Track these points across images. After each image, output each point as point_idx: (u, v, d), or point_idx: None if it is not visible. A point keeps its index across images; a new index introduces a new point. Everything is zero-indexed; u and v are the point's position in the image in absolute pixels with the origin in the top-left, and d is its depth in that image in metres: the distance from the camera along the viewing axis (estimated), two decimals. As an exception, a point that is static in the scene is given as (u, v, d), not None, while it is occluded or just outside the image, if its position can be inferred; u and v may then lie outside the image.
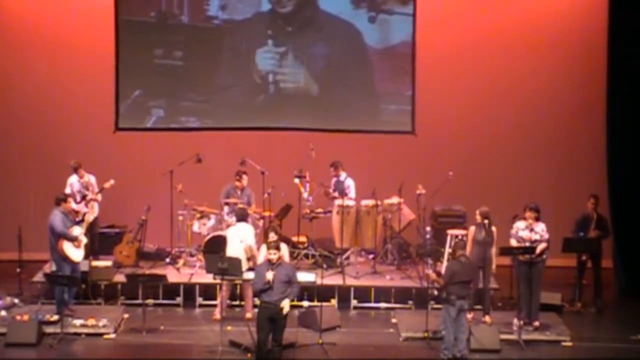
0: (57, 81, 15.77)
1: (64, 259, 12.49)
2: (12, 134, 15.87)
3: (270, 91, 15.90)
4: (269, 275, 10.91)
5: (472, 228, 12.79)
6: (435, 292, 11.99)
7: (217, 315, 12.68)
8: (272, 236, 11.79)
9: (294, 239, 14.65)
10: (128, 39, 15.77)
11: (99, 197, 14.06)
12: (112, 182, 14.02)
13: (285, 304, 10.96)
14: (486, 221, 12.56)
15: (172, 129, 15.95)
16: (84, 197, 14.10)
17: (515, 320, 12.40)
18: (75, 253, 12.58)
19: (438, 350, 11.73)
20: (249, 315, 12.61)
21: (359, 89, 15.93)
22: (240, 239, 12.76)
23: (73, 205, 13.76)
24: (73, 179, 14.17)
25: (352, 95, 15.93)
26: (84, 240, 12.68)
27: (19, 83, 15.78)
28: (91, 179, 14.22)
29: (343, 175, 14.67)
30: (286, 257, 12.03)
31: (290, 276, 11.10)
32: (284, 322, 11.11)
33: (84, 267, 13.32)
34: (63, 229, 12.47)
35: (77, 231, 12.61)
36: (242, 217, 13.09)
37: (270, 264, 11.02)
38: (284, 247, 12.28)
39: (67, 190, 14.01)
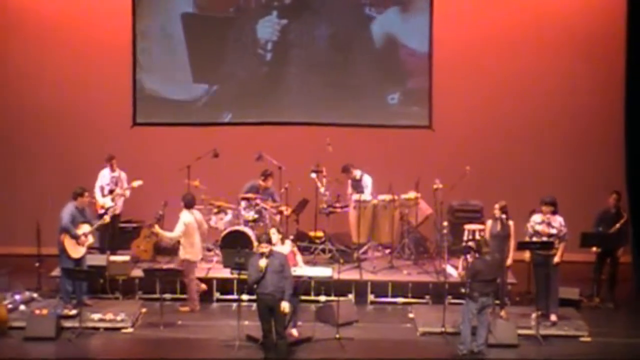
0: (75, 76, 15.85)
1: (62, 252, 12.52)
2: (31, 129, 15.96)
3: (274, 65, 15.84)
4: (262, 263, 11.03)
5: (489, 222, 12.77)
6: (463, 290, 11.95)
7: None
8: (274, 231, 11.90)
9: (311, 233, 14.71)
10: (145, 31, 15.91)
11: (128, 193, 14.14)
12: (140, 182, 14.14)
13: (285, 306, 11.09)
14: (503, 215, 12.53)
15: (189, 124, 16.00)
16: (111, 192, 14.18)
17: (533, 315, 12.37)
18: (74, 249, 12.58)
19: (455, 345, 11.72)
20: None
21: (367, 79, 15.95)
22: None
23: (99, 198, 13.84)
24: (105, 172, 14.28)
25: (360, 84, 15.95)
26: (90, 240, 12.67)
27: (37, 78, 15.86)
28: (122, 174, 14.30)
29: (358, 173, 14.62)
30: (284, 250, 12.00)
31: (284, 265, 11.19)
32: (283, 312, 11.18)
33: (102, 261, 13.43)
34: (67, 224, 12.49)
35: (84, 229, 12.61)
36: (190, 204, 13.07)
37: (262, 255, 11.14)
38: (288, 243, 12.38)
39: (99, 182, 14.15)
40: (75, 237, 12.52)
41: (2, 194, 15.99)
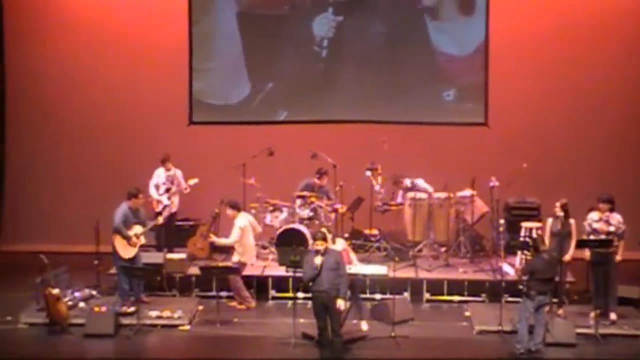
0: (132, 77, 16.10)
1: (115, 251, 12.69)
2: (88, 128, 16.26)
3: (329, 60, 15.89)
4: (317, 260, 11.03)
5: (549, 220, 12.63)
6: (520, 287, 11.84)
7: None
8: (325, 230, 11.90)
9: (366, 231, 14.67)
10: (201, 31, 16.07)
11: (187, 190, 14.27)
12: (196, 180, 14.22)
13: (340, 303, 11.09)
14: (561, 213, 12.40)
15: (244, 123, 16.10)
16: (167, 190, 14.30)
17: (592, 314, 12.23)
18: (125, 250, 12.69)
19: (512, 344, 11.62)
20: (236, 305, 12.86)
21: (423, 74, 15.95)
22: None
23: (154, 195, 13.97)
24: (160, 171, 14.38)
25: (415, 80, 15.96)
26: (142, 241, 12.76)
27: (94, 78, 16.15)
28: (177, 173, 14.39)
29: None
30: (337, 248, 12.00)
31: (339, 263, 11.18)
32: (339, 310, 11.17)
33: (159, 259, 13.57)
34: (119, 224, 12.62)
35: (136, 230, 12.71)
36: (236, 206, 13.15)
37: (317, 252, 11.15)
38: (340, 242, 12.41)
39: (153, 181, 14.31)
40: (126, 238, 12.65)
41: (62, 193, 16.30)
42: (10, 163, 15.69)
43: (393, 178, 14.55)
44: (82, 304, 12.91)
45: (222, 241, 13.21)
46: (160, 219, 13.22)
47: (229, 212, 13.08)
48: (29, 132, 16.26)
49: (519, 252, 13.46)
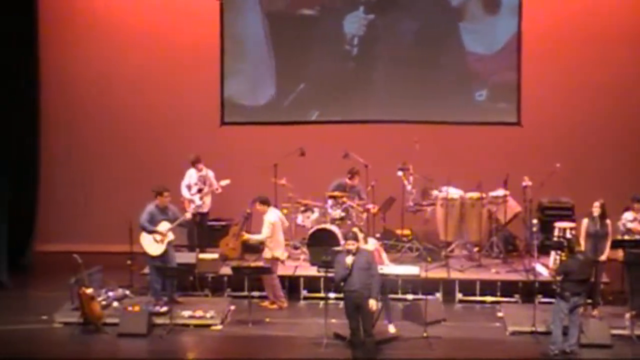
0: (164, 78, 16.20)
1: (145, 251, 12.81)
2: (120, 129, 16.39)
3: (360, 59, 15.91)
4: (349, 260, 11.03)
5: (585, 220, 12.56)
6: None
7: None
8: (356, 230, 11.95)
9: (398, 231, 14.67)
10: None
11: (219, 190, 14.33)
12: (228, 181, 14.28)
13: (372, 303, 11.08)
14: (595, 213, 12.33)
15: (276, 123, 16.16)
16: (199, 191, 14.37)
17: (627, 315, 12.14)
18: (151, 246, 12.76)
19: (546, 345, 11.56)
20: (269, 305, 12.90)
21: (454, 74, 15.93)
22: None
23: (186, 195, 14.02)
24: (191, 171, 14.45)
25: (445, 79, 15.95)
26: (170, 237, 12.80)
27: (126, 80, 16.27)
28: (209, 173, 14.45)
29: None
30: (369, 249, 11.99)
31: (370, 263, 11.17)
32: (371, 310, 11.16)
33: (191, 259, 13.65)
34: (143, 222, 12.72)
35: (162, 227, 12.77)
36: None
37: (348, 252, 11.15)
38: (372, 241, 12.43)
39: (185, 182, 14.39)
40: (152, 233, 12.70)
41: (96, 194, 16.46)
42: (44, 164, 15.84)
43: (421, 190, 14.56)
44: (115, 304, 13.04)
45: (255, 237, 13.26)
46: (188, 214, 13.24)
47: (259, 207, 13.15)
48: (62, 133, 16.40)
49: (552, 253, 13.40)
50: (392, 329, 12.00)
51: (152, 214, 12.80)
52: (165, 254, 12.84)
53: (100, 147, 16.47)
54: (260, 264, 13.42)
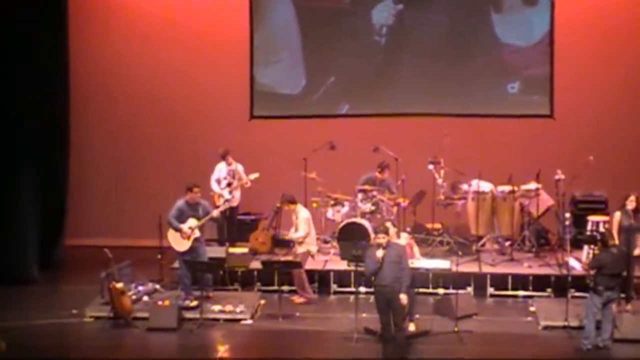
0: (192, 71, 16.30)
1: None
2: (150, 123, 16.47)
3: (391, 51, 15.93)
4: (379, 253, 11.05)
5: (617, 214, 12.52)
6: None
7: None
8: (389, 225, 11.92)
9: (428, 225, 14.68)
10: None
11: (248, 184, 14.38)
12: (257, 175, 14.32)
13: (403, 298, 11.07)
14: (631, 207, 12.29)
15: (306, 116, 16.22)
16: (229, 185, 14.44)
17: (661, 310, 12.11)
18: (177, 242, 12.81)
19: (578, 340, 11.55)
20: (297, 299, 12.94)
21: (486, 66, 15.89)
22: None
23: (216, 189, 14.08)
24: (221, 165, 14.51)
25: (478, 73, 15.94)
26: (196, 234, 12.81)
27: (155, 74, 16.35)
28: (238, 167, 14.50)
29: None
30: (401, 243, 12.03)
31: (401, 257, 11.19)
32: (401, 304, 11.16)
33: (221, 253, 13.72)
34: (170, 217, 12.78)
35: (190, 223, 12.79)
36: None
37: (379, 246, 11.16)
38: (403, 235, 12.44)
39: (215, 176, 14.44)
40: (177, 230, 12.77)
41: (126, 188, 16.59)
42: (75, 157, 15.94)
43: (450, 184, 14.53)
44: (145, 298, 13.11)
45: (296, 235, 13.25)
46: (215, 212, 13.19)
47: (290, 207, 13.20)
48: (92, 127, 16.52)
49: (585, 247, 13.36)
50: (412, 326, 11.97)
51: (181, 209, 12.86)
52: (192, 250, 12.88)
53: (130, 140, 16.61)
54: (290, 258, 13.46)
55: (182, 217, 12.84)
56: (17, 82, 14.22)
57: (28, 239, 14.41)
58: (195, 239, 12.85)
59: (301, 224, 13.10)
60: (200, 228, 12.88)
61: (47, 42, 14.98)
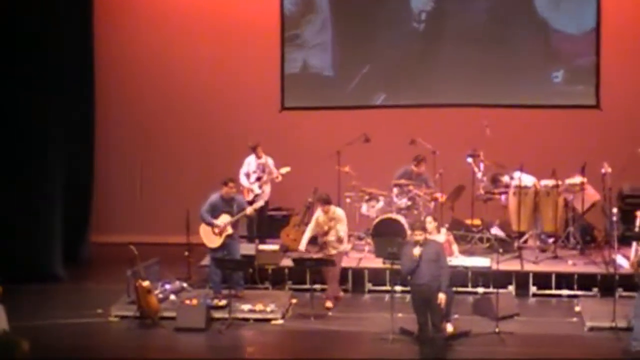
0: (221, 62, 16.22)
1: None
2: (177, 115, 16.41)
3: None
4: (416, 251, 10.91)
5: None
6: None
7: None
8: (430, 220, 11.92)
9: (467, 221, 14.55)
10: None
11: (279, 178, 14.32)
12: (288, 168, 14.28)
13: (442, 297, 10.96)
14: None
15: (339, 107, 16.12)
16: (258, 179, 14.39)
17: None
18: (209, 238, 12.78)
19: (627, 341, 11.35)
20: (328, 304, 12.69)
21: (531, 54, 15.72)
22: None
23: (245, 184, 14.02)
24: (250, 159, 14.44)
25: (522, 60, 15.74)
26: (229, 231, 12.77)
27: (182, 64, 16.26)
28: (269, 161, 14.43)
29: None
30: (439, 239, 11.95)
31: (439, 254, 11.07)
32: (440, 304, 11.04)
33: (251, 250, 13.65)
34: (202, 211, 12.73)
35: (223, 219, 12.74)
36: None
37: (416, 243, 11.04)
38: (443, 231, 12.46)
39: (244, 170, 14.36)
40: (210, 225, 12.73)
41: (153, 183, 16.54)
42: (100, 153, 15.95)
43: (490, 176, 14.39)
44: (172, 297, 13.05)
45: (343, 247, 13.08)
46: (249, 210, 13.11)
47: (326, 207, 12.98)
48: (117, 119, 16.45)
49: (634, 244, 13.12)
50: (449, 327, 11.79)
51: (215, 204, 12.82)
52: (224, 247, 12.84)
53: (156, 133, 16.52)
54: (322, 255, 13.30)
55: (215, 212, 12.80)
56: (42, 78, 14.19)
57: (53, 236, 14.41)
58: (228, 236, 12.80)
59: (343, 225, 12.88)
60: (234, 225, 12.83)
61: (73, 30, 14.89)
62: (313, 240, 14.28)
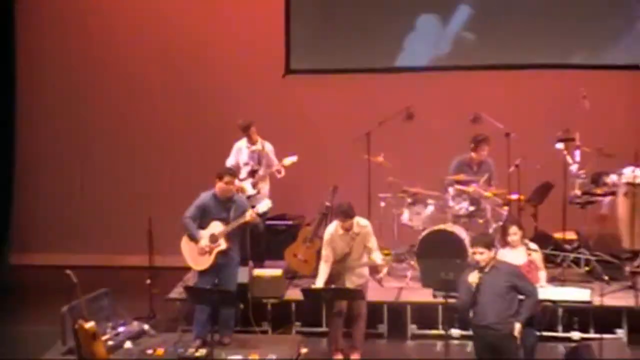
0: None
1: None
2: (131, 92, 16.82)
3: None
4: (472, 277, 10.89)
5: None
6: None
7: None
8: (514, 230, 12.11)
9: (557, 235, 14.51)
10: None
11: (282, 172, 14.29)
12: (294, 158, 14.31)
13: (517, 329, 10.85)
14: None
15: (367, 70, 16.26)
16: (252, 173, 14.28)
17: None
18: (193, 257, 12.66)
19: None
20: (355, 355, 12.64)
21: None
22: None
23: (236, 182, 13.85)
24: (241, 144, 14.57)
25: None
26: (222, 246, 12.58)
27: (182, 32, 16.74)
28: (267, 147, 14.46)
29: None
30: (517, 259, 12.03)
31: (515, 282, 10.99)
32: (513, 352, 10.90)
33: (243, 277, 13.42)
34: (185, 217, 12.62)
35: (214, 229, 12.59)
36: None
37: (476, 266, 11.07)
38: (533, 247, 12.47)
39: (231, 159, 14.48)
40: (193, 239, 12.61)
41: (98, 184, 16.81)
42: (25, 144, 16.38)
43: (592, 177, 14.31)
44: (128, 344, 12.91)
45: (380, 276, 13.00)
46: (249, 214, 12.83)
47: (348, 222, 12.63)
48: (43, 96, 16.94)
49: None
50: None
51: (205, 206, 12.65)
52: (215, 269, 12.58)
53: (93, 112, 16.88)
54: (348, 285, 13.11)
55: (204, 219, 12.66)
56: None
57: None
58: (221, 253, 12.56)
59: (373, 242, 12.60)
60: (228, 236, 12.60)
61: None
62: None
